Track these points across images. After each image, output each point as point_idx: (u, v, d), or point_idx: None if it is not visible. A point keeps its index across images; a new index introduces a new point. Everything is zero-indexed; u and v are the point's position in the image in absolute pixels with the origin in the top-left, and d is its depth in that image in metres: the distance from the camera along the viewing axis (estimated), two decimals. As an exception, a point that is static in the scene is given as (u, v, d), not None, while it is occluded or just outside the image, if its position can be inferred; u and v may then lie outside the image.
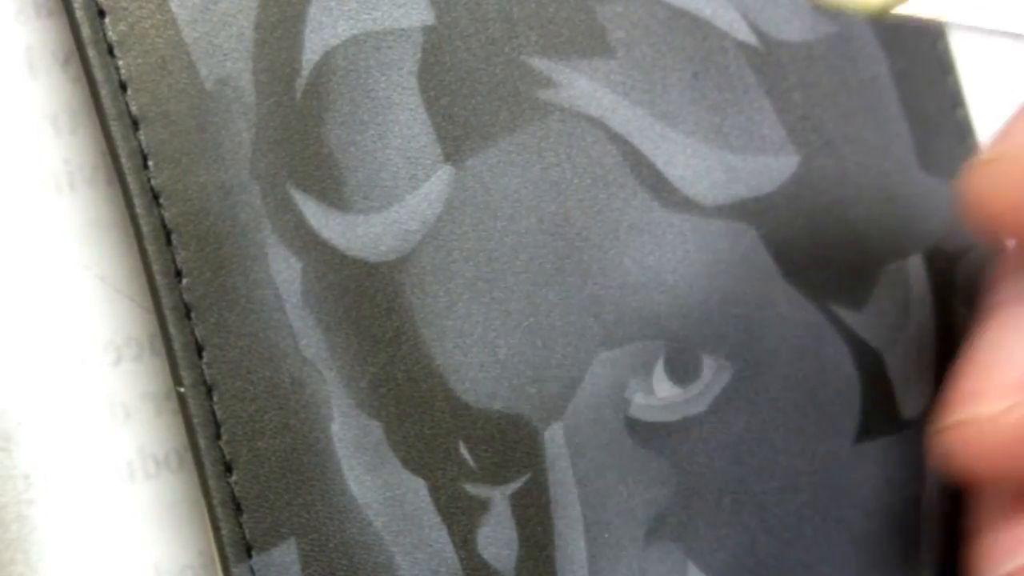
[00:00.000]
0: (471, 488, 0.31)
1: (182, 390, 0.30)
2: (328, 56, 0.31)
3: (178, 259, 0.30)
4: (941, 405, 0.30)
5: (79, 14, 0.30)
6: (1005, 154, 0.28)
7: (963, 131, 0.35)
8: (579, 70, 0.33)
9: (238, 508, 0.30)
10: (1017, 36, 0.35)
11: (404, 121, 0.31)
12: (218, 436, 0.30)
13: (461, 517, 0.31)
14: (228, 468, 0.30)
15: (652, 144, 0.33)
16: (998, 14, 0.28)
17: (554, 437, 0.31)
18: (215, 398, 0.30)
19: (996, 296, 0.28)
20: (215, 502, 0.29)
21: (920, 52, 0.36)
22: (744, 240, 0.33)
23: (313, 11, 0.31)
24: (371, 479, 0.30)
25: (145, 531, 0.32)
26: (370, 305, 0.31)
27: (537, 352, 0.32)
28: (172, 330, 0.30)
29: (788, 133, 0.34)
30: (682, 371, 0.33)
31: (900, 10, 0.28)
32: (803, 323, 0.33)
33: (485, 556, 0.31)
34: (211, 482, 0.29)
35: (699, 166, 0.33)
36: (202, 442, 0.29)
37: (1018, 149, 0.28)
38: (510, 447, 0.31)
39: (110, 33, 0.30)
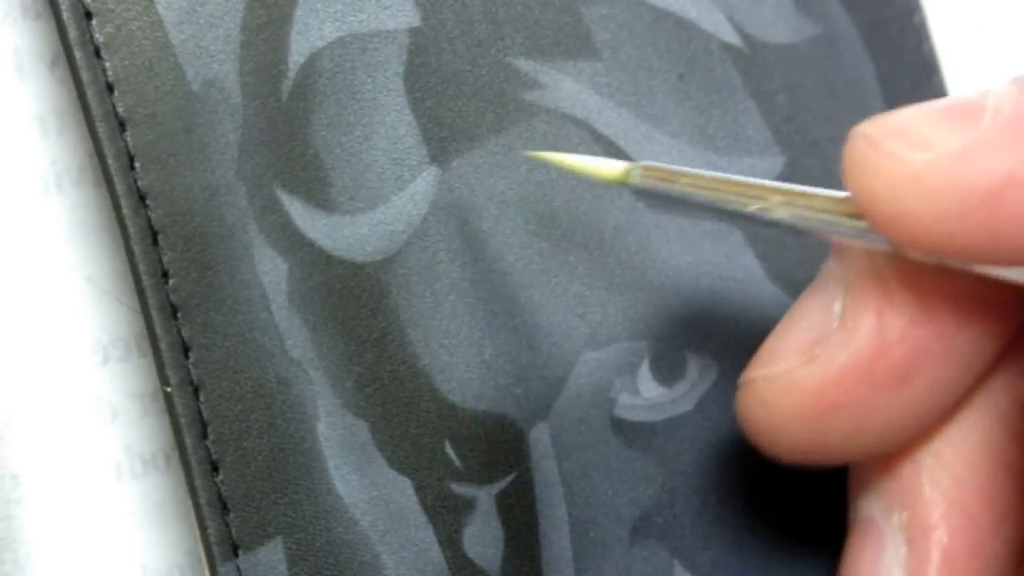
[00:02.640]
0: (457, 487, 0.31)
1: (169, 390, 0.30)
2: (314, 58, 0.31)
3: (164, 260, 0.30)
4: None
5: (66, 16, 0.30)
6: (759, 376, 0.29)
7: (948, 132, 0.35)
8: (565, 72, 0.33)
9: (224, 507, 0.30)
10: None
11: (390, 122, 0.31)
12: (204, 436, 0.30)
13: (447, 516, 0.31)
14: (215, 467, 0.30)
15: (637, 145, 0.33)
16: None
17: (540, 437, 0.32)
18: (201, 398, 0.30)
19: (821, 271, 0.29)
20: (202, 501, 0.30)
21: (905, 53, 0.36)
22: (729, 241, 0.33)
23: (299, 13, 0.31)
24: (357, 478, 0.30)
25: (132, 530, 0.32)
26: (356, 305, 0.31)
27: (523, 352, 0.32)
28: (159, 330, 0.30)
29: (773, 134, 0.34)
30: (667, 371, 0.33)
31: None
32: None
33: (471, 555, 0.31)
34: (198, 481, 0.30)
35: (684, 167, 0.33)
36: (188, 442, 0.30)
37: (770, 368, 0.28)
38: (496, 447, 0.31)
39: (97, 35, 0.30)
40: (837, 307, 0.28)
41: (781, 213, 0.28)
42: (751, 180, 0.28)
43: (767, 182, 0.28)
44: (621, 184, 0.29)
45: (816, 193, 0.28)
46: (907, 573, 0.29)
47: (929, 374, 0.27)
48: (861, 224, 0.27)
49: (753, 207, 0.28)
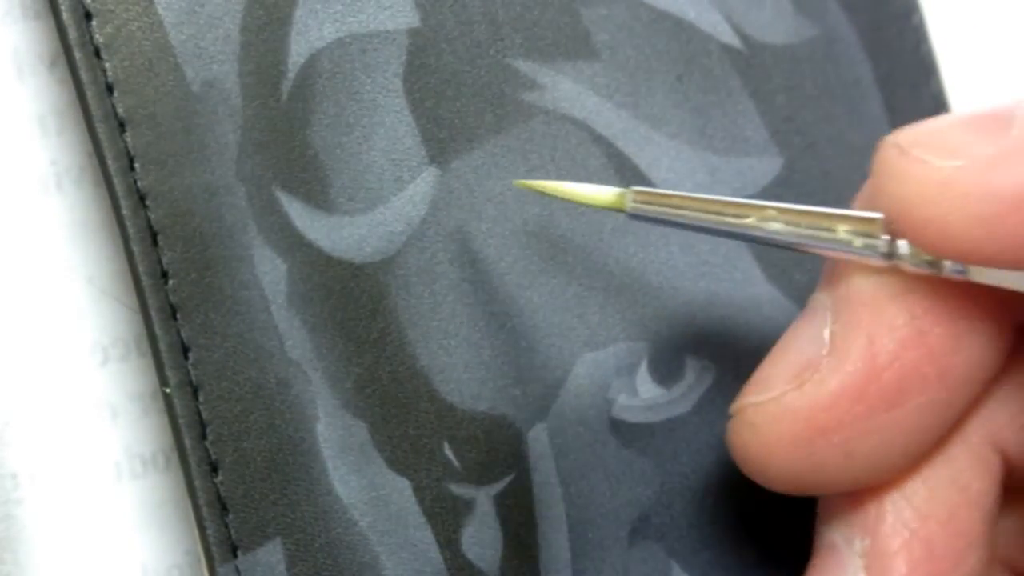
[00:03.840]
0: (455, 488, 0.31)
1: (168, 390, 0.30)
2: (314, 58, 0.31)
3: (164, 260, 0.30)
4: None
5: (66, 17, 0.30)
6: (749, 403, 0.29)
7: (946, 133, 0.35)
8: (563, 72, 0.33)
9: (224, 508, 0.30)
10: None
11: (389, 123, 0.31)
12: (204, 436, 0.30)
13: (446, 517, 0.31)
14: (214, 468, 0.30)
15: (636, 146, 0.33)
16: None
17: (538, 438, 0.32)
18: (201, 398, 0.30)
19: (810, 301, 0.29)
20: (201, 502, 0.30)
21: (903, 55, 0.36)
22: (728, 243, 0.33)
23: (299, 14, 0.31)
24: (356, 479, 0.30)
25: (132, 530, 0.32)
26: (355, 306, 0.31)
27: (521, 353, 0.32)
28: (158, 331, 0.30)
29: (772, 135, 0.34)
30: (665, 372, 0.33)
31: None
32: (786, 325, 0.33)
33: (469, 556, 0.31)
34: (197, 482, 0.30)
35: (683, 168, 0.33)
36: (188, 442, 0.30)
37: (761, 395, 0.28)
38: (494, 448, 0.31)
39: (97, 35, 0.30)
40: (826, 333, 0.28)
41: (775, 227, 0.28)
42: (741, 200, 0.28)
43: (757, 201, 0.28)
44: (616, 210, 0.30)
45: (810, 210, 0.28)
46: None
47: (921, 397, 0.28)
48: (854, 238, 0.27)
49: (748, 220, 0.28)
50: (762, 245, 0.28)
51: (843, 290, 0.28)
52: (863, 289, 0.28)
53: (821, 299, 0.29)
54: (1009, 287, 0.26)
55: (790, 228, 0.28)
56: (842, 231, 0.27)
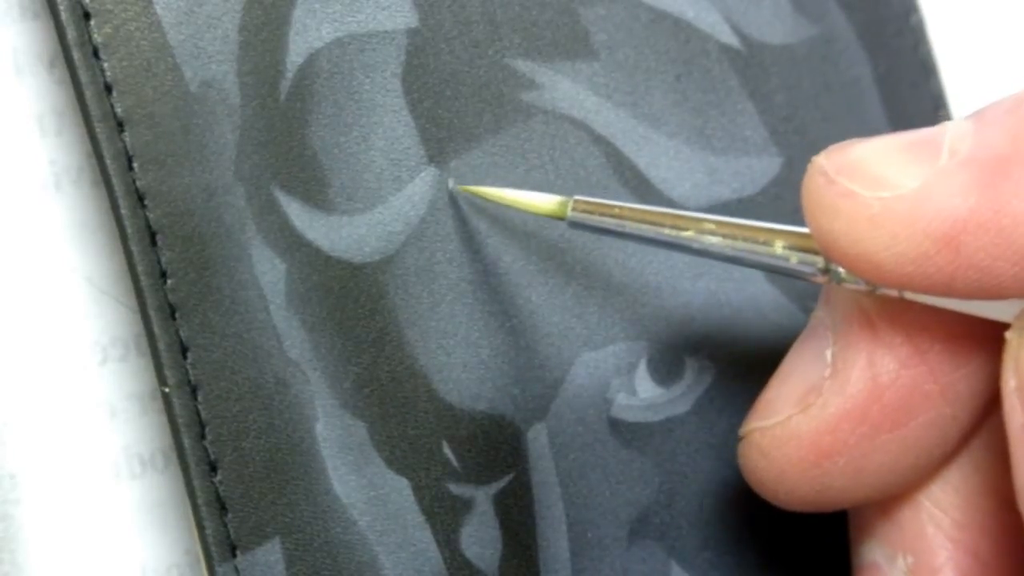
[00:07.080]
0: (454, 488, 0.31)
1: (167, 390, 0.30)
2: (312, 58, 0.31)
3: (163, 260, 0.30)
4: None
5: (64, 16, 0.30)
6: (756, 427, 0.29)
7: (945, 133, 0.35)
8: (562, 72, 0.33)
9: (223, 507, 0.30)
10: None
11: (388, 123, 0.31)
12: (203, 436, 0.30)
13: (445, 517, 0.31)
14: (213, 468, 0.30)
15: (635, 146, 0.33)
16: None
17: (537, 437, 0.32)
18: (200, 398, 0.30)
19: (811, 319, 0.29)
20: (200, 502, 0.30)
21: (903, 54, 0.36)
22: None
23: (298, 14, 0.31)
24: (355, 479, 0.30)
25: (131, 530, 0.32)
26: (354, 306, 0.31)
27: (520, 353, 0.32)
28: (157, 330, 0.30)
29: (771, 135, 0.34)
30: (665, 372, 0.33)
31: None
32: (785, 325, 0.33)
33: (468, 555, 0.31)
34: (196, 482, 0.30)
35: (682, 168, 0.33)
36: (187, 442, 0.30)
37: (767, 420, 0.29)
38: (493, 447, 0.31)
39: (95, 35, 0.30)
40: (828, 354, 0.28)
41: (713, 240, 0.28)
42: (683, 212, 0.29)
43: (699, 214, 0.29)
44: (557, 218, 0.30)
45: (748, 224, 0.28)
46: None
47: (926, 414, 0.28)
48: (791, 255, 0.27)
49: (687, 233, 0.28)
50: (704, 258, 0.29)
51: (841, 309, 0.28)
52: (859, 308, 0.28)
53: (821, 317, 0.28)
54: (944, 307, 0.26)
55: (728, 242, 0.28)
56: (779, 247, 0.27)
